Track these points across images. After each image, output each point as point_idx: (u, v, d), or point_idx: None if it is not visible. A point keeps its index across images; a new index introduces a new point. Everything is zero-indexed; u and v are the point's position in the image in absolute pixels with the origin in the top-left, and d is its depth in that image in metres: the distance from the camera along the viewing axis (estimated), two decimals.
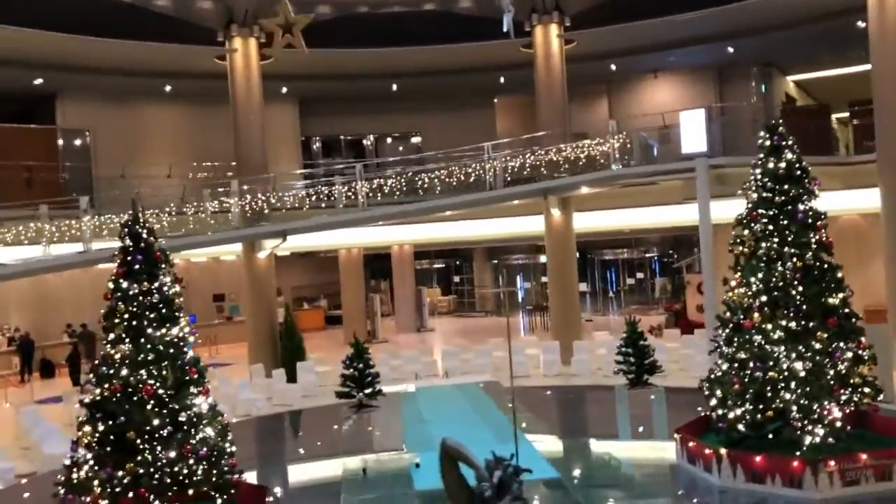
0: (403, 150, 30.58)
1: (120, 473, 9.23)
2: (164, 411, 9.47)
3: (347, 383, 11.32)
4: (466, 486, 6.00)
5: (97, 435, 9.38)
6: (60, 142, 25.87)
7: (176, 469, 9.40)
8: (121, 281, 9.81)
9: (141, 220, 10.05)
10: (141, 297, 9.73)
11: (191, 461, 9.45)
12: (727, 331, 11.73)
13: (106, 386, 9.49)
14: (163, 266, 10.02)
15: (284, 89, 27.26)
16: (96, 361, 9.97)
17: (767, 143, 11.62)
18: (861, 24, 22.92)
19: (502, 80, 28.02)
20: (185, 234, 19.21)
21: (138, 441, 9.32)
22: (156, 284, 9.85)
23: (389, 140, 32.03)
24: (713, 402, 11.66)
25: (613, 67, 27.29)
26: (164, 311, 9.84)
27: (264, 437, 16.78)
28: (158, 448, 9.33)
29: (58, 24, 21.20)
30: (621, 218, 25.22)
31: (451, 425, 14.76)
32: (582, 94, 27.82)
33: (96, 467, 9.34)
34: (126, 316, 9.67)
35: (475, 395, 17.41)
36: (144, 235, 9.97)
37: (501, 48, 24.97)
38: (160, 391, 9.50)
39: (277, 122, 27.63)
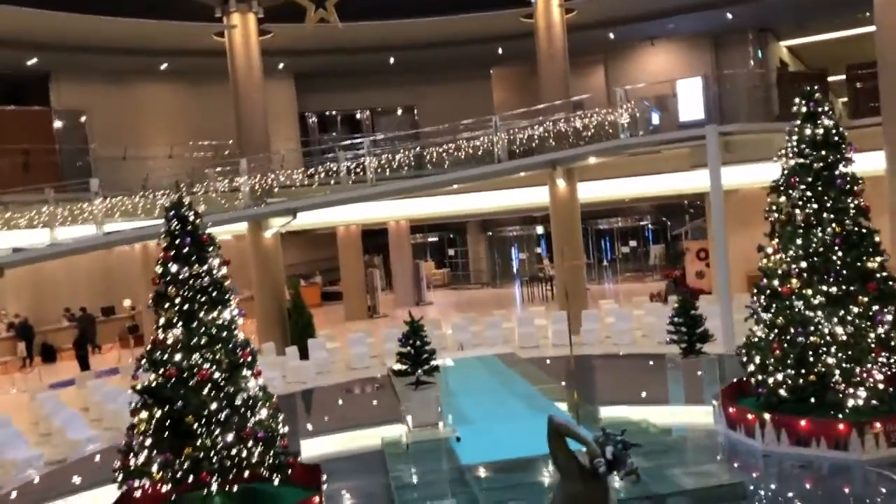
0: (399, 123, 30.39)
1: (178, 458, 9.17)
2: (221, 395, 9.41)
3: (404, 360, 11.31)
4: (577, 461, 6.06)
5: (154, 421, 9.29)
6: (56, 123, 25.38)
7: (234, 452, 9.36)
8: (169, 264, 9.68)
9: (186, 202, 9.90)
10: (192, 281, 9.62)
11: (249, 444, 9.43)
12: (763, 297, 11.84)
13: (160, 371, 9.40)
14: (210, 248, 9.91)
15: (281, 65, 26.92)
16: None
17: (804, 109, 11.65)
18: None
19: (500, 50, 27.86)
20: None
21: (195, 426, 9.25)
22: (205, 267, 9.74)
23: (385, 114, 31.78)
24: (751, 367, 11.79)
25: (612, 36, 27.23)
26: (214, 294, 9.73)
27: (290, 414, 16.76)
28: (217, 432, 9.28)
29: (52, 2, 20.72)
30: (624, 187, 25.30)
31: (480, 397, 14.88)
32: (578, 63, 27.72)
33: (154, 452, 9.27)
34: (178, 300, 9.55)
35: (497, 367, 17.50)
36: (191, 218, 9.84)
37: (500, 19, 24.86)
38: (215, 375, 9.42)
39: (274, 98, 27.35)
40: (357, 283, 31.18)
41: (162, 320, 9.69)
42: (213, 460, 9.21)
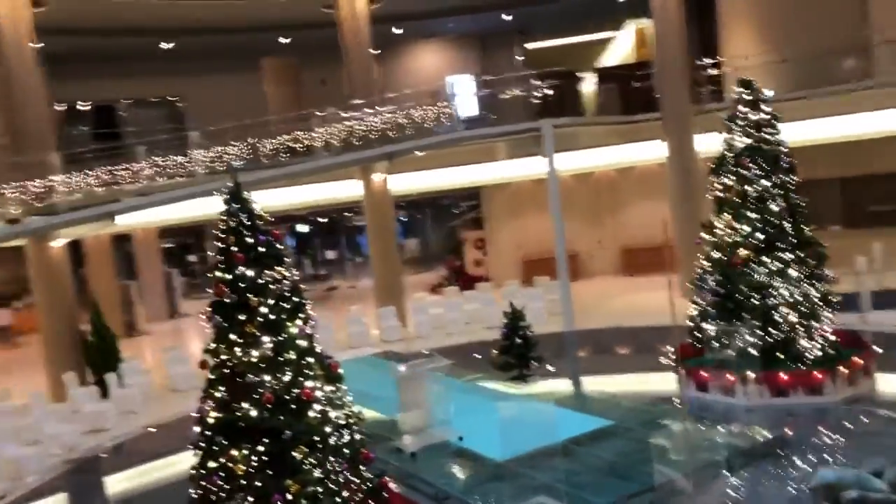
0: (163, 116, 27.42)
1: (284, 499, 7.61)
2: (329, 416, 7.99)
3: (509, 353, 10.33)
4: None
5: (254, 458, 7.60)
6: None
7: (342, 479, 8.03)
8: (240, 269, 7.92)
9: (246, 193, 8.19)
10: (273, 287, 7.99)
11: (362, 468, 8.16)
12: (717, 269, 12.98)
13: (254, 397, 7.69)
14: (281, 247, 8.32)
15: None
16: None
17: (747, 97, 12.98)
18: None
19: (282, 39, 26.44)
20: None
21: (300, 456, 7.74)
22: (282, 269, 8.16)
23: (146, 106, 28.32)
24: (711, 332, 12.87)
25: (397, 31, 27.27)
26: (295, 300, 8.20)
27: None
28: (331, 459, 7.87)
29: None
30: (432, 179, 25.42)
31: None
32: None
33: (254, 498, 7.57)
34: (264, 310, 7.87)
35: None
36: (257, 211, 8.18)
37: (296, 7, 23.64)
38: (317, 393, 7.97)
39: None
40: (110, 296, 27.46)
41: (233, 335, 7.91)
42: (333, 491, 7.82)
